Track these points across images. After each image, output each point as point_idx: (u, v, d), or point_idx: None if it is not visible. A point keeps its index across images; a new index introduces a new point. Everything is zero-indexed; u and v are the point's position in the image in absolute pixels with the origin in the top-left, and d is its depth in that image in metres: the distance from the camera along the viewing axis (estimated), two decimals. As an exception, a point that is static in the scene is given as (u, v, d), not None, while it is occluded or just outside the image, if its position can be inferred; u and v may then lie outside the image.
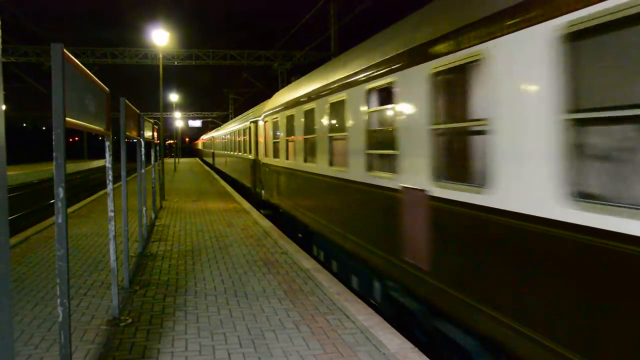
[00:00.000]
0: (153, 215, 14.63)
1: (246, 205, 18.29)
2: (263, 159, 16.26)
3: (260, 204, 17.37)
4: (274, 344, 5.47)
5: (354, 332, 5.79)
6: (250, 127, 19.78)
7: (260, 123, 16.84)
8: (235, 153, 26.39)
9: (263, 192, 16.32)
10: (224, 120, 74.35)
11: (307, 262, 9.12)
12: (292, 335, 5.69)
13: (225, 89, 72.56)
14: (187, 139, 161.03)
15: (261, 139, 16.78)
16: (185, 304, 6.88)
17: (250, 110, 23.34)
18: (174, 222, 14.36)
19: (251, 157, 19.54)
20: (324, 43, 31.13)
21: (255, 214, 15.83)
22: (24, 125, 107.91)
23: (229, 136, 31.03)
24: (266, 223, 13.87)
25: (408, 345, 5.41)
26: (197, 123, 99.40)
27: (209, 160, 56.00)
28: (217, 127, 65.19)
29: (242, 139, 22.89)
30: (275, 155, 13.86)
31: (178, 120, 73.74)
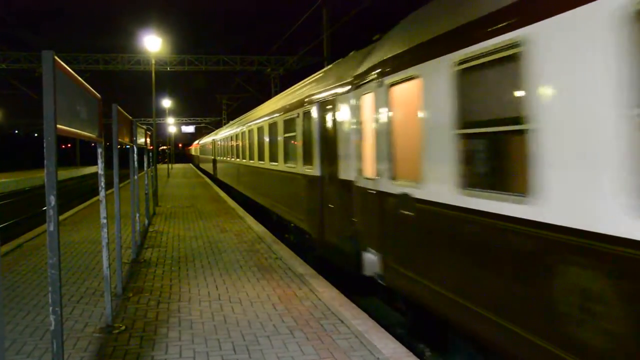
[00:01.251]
0: (146, 222, 14.58)
1: (240, 211, 18.26)
2: (380, 181, 6.78)
3: (352, 278, 8.18)
4: (269, 349, 5.45)
5: (348, 337, 5.78)
6: (309, 116, 10.34)
7: (361, 98, 7.60)
8: (267, 164, 15.37)
9: (375, 257, 7.03)
10: (217, 125, 72.95)
11: (302, 268, 9.11)
12: (287, 341, 5.68)
13: (218, 94, 72.51)
14: (180, 145, 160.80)
15: (359, 136, 7.69)
16: (179, 310, 6.86)
17: (301, 84, 13.20)
18: (167, 228, 14.31)
19: (312, 172, 10.12)
20: (317, 48, 31.17)
21: (249, 219, 15.80)
22: (16, 131, 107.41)
23: (247, 136, 19.48)
24: (259, 228, 13.84)
25: (403, 349, 5.41)
26: (190, 128, 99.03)
27: (208, 168, 44.39)
28: (211, 132, 62.42)
29: (284, 140, 12.86)
30: (470, 173, 4.78)
31: (171, 126, 73.57)
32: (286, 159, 12.64)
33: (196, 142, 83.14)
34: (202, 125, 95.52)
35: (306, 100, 10.56)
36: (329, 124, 9.06)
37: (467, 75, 4.64)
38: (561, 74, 3.53)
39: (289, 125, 12.15)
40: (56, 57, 3.74)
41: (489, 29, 4.26)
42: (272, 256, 10.14)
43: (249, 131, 18.96)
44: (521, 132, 3.91)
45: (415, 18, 6.51)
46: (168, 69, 43.55)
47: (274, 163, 14.12)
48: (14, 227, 20.06)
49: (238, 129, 22.76)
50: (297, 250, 11.04)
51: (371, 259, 7.16)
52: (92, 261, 9.98)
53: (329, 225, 9.12)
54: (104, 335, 5.95)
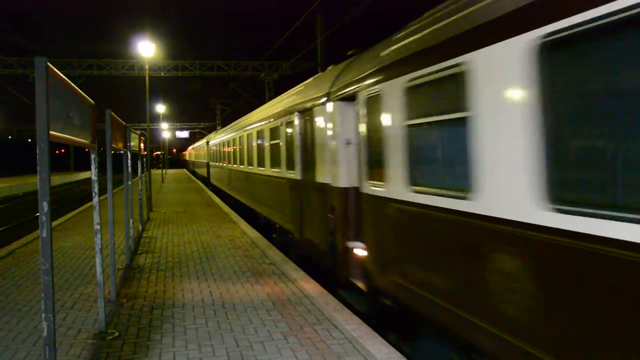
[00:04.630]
0: (140, 227, 14.54)
1: (233, 215, 18.23)
2: None
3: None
4: (262, 355, 5.45)
5: (342, 342, 5.78)
6: None
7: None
8: None
9: None
10: (211, 131, 71.65)
11: (295, 273, 9.11)
12: (280, 347, 5.68)
13: (212, 99, 72.43)
14: (174, 150, 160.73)
15: None
16: (172, 316, 6.84)
17: None
18: (161, 234, 14.28)
19: None
20: (311, 53, 31.28)
21: (243, 224, 15.79)
22: (9, 137, 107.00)
23: None
24: (253, 233, 13.83)
25: (396, 355, 5.42)
26: (184, 134, 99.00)
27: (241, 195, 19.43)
28: (204, 136, 53.34)
29: None
30: None
31: (165, 132, 73.44)
32: None
33: (198, 143, 58.81)
34: (196, 130, 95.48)
35: None
36: None
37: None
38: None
39: None
40: (49, 64, 3.75)
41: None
42: (266, 261, 10.13)
43: None
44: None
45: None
46: (162, 74, 43.50)
47: None
48: (7, 232, 19.96)
49: None
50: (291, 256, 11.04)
51: None
52: (86, 267, 9.94)
53: None
54: (97, 342, 5.93)
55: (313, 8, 20.48)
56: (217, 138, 28.69)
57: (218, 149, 28.21)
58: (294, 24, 22.86)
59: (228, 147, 23.23)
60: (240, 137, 19.05)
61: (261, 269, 9.46)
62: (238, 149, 19.68)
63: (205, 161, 39.99)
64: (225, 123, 58.83)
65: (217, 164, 29.65)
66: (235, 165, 20.86)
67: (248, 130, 16.89)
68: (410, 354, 5.97)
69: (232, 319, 6.67)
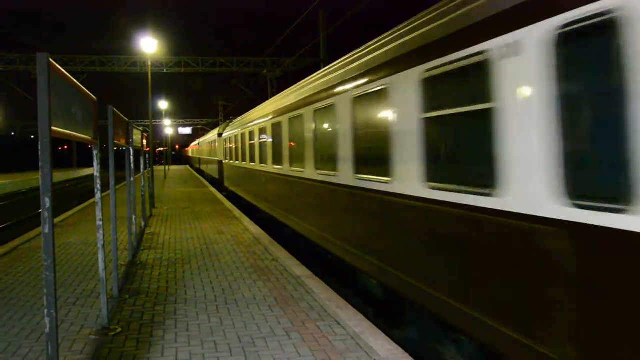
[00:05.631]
0: (143, 224, 14.56)
1: (237, 212, 18.24)
2: None
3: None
4: (265, 351, 5.45)
5: (344, 338, 5.78)
6: None
7: None
8: None
9: None
10: (214, 127, 71.33)
11: (298, 269, 9.11)
12: (283, 343, 5.68)
13: (214, 96, 72.38)
14: (177, 146, 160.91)
15: None
16: (175, 312, 6.85)
17: None
18: (164, 230, 14.29)
19: None
20: (314, 49, 31.25)
21: (245, 220, 15.79)
22: (12, 133, 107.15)
23: None
24: (256, 230, 13.84)
25: (399, 351, 5.42)
26: (186, 130, 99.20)
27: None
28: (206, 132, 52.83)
29: None
30: None
31: (168, 128, 73.49)
32: None
33: (205, 138, 48.78)
34: (199, 127, 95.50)
35: None
36: None
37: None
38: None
39: None
40: (51, 60, 3.74)
41: None
42: (269, 257, 10.13)
43: None
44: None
45: None
46: (164, 70, 43.49)
47: None
48: (10, 229, 20.01)
49: None
50: (294, 252, 11.06)
51: None
52: (89, 263, 9.96)
53: None
54: (100, 338, 5.94)
55: (316, 4, 20.45)
56: (239, 127, 20.36)
57: (240, 143, 19.88)
58: (296, 20, 22.81)
59: (260, 138, 15.48)
60: (289, 121, 11.37)
61: (264, 265, 9.46)
62: (283, 143, 12.02)
63: (215, 159, 31.31)
64: (227, 119, 58.12)
65: (237, 163, 21.03)
66: (278, 167, 12.71)
67: (313, 106, 9.40)
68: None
69: (235, 315, 6.68)
